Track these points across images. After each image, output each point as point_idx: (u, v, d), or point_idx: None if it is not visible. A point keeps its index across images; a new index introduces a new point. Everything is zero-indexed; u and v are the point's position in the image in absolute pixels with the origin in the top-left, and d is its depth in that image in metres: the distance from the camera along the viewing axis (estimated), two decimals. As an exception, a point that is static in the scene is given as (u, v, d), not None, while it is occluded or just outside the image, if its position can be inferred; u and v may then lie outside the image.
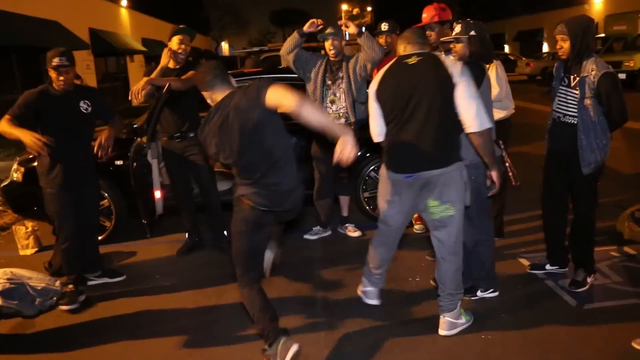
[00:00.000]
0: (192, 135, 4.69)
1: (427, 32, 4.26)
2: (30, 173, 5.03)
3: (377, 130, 3.35)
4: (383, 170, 3.35)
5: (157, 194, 4.95)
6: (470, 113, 3.05)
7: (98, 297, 4.15)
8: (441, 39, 4.00)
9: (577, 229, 3.79)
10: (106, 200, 5.19)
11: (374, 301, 3.62)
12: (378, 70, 4.64)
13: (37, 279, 4.06)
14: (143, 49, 24.77)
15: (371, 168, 5.28)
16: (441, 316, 3.33)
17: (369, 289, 3.64)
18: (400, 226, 3.43)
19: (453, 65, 3.11)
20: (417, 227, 5.16)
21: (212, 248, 4.98)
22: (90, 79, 18.85)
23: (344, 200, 5.19)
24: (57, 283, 4.11)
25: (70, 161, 4.00)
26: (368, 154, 5.27)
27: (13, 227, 5.46)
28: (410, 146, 3.12)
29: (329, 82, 4.81)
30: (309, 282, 4.22)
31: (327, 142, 4.79)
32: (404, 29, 3.52)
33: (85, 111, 4.05)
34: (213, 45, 46.59)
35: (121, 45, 21.77)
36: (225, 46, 45.43)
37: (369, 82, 4.23)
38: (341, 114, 4.80)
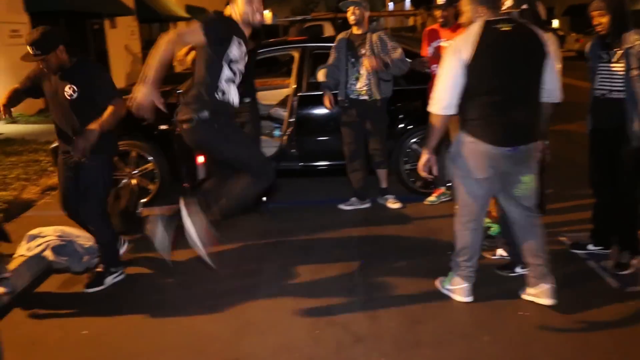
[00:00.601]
0: (246, 100, 4.73)
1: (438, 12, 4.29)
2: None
3: (452, 102, 3.03)
4: (471, 146, 3.07)
5: (200, 159, 5.02)
6: (557, 84, 3.13)
7: (141, 258, 4.28)
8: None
9: (624, 209, 3.71)
10: (150, 164, 5.30)
11: (467, 298, 3.40)
12: (445, 37, 4.67)
13: (84, 238, 4.22)
14: (187, 15, 24.82)
15: (412, 140, 5.24)
16: (548, 285, 3.27)
17: (464, 285, 3.40)
18: (485, 206, 3.35)
19: (541, 32, 3.05)
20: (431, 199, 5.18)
21: (249, 212, 5.03)
22: (134, 45, 19.07)
23: (381, 173, 5.15)
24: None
25: (67, 142, 3.84)
26: (410, 126, 5.22)
27: (61, 187, 5.63)
28: (512, 118, 3.00)
29: (353, 59, 4.84)
30: (347, 255, 4.25)
31: (356, 111, 4.83)
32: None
33: (69, 97, 3.64)
34: (255, 13, 46.44)
35: (165, 11, 21.87)
36: (268, 15, 45.18)
37: None
38: (365, 92, 4.82)
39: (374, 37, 4.76)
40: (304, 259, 4.17)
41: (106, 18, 16.69)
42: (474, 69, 2.95)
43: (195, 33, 3.04)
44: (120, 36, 17.50)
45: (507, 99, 2.99)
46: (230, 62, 3.17)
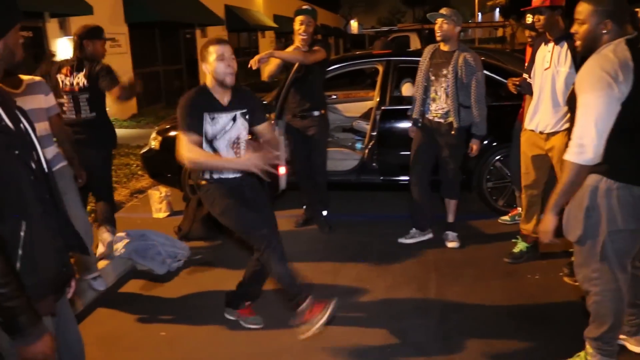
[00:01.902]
0: (316, 114, 4.77)
1: (535, 17, 3.93)
2: (167, 142, 5.39)
3: (602, 147, 2.35)
4: (622, 192, 2.43)
5: (282, 170, 5.10)
6: None
7: (221, 265, 4.38)
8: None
9: None
10: (233, 173, 5.43)
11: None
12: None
13: (168, 241, 4.38)
14: (274, 25, 25.41)
15: (496, 158, 5.08)
16: None
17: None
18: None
19: None
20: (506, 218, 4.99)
21: (325, 224, 5.05)
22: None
23: (450, 204, 4.64)
24: (185, 247, 4.40)
25: None
26: (494, 143, 5.06)
27: (148, 191, 5.89)
28: None
29: (432, 78, 4.40)
30: (422, 273, 4.17)
31: (428, 134, 4.46)
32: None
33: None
34: (342, 23, 46.85)
35: (253, 21, 22.49)
36: (354, 24, 45.58)
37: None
38: (439, 115, 4.39)
39: (461, 58, 4.25)
40: (379, 274, 4.12)
41: (198, 28, 17.39)
42: (635, 102, 2.33)
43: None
44: (211, 45, 18.10)
45: None
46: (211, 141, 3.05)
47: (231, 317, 3.53)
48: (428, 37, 16.44)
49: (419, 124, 4.51)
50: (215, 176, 3.13)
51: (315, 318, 2.92)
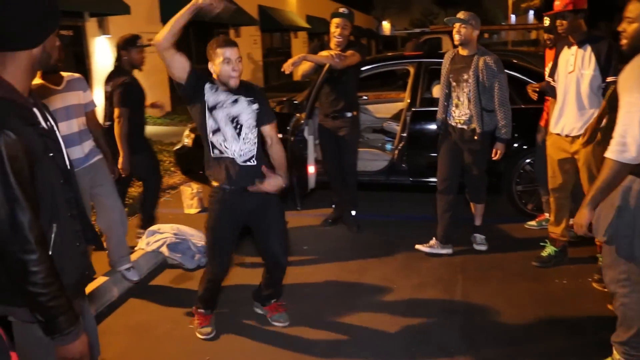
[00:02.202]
0: (348, 115, 4.81)
1: (558, 21, 3.88)
2: (199, 139, 5.47)
3: None
4: None
5: (311, 169, 5.15)
6: None
7: (249, 261, 4.45)
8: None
9: None
10: (264, 171, 5.49)
11: None
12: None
13: (198, 237, 4.47)
14: (307, 25, 25.50)
15: (526, 161, 5.04)
16: None
17: None
18: None
19: None
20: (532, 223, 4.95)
21: (354, 224, 5.09)
22: (256, 53, 19.91)
23: (477, 208, 4.60)
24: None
25: None
26: (524, 146, 5.03)
27: (180, 187, 6.01)
28: None
29: (454, 84, 4.35)
30: (448, 274, 4.18)
31: (453, 140, 4.34)
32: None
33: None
34: (375, 25, 46.73)
35: (286, 21, 22.62)
36: (386, 25, 45.43)
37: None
38: (463, 121, 4.32)
39: (481, 62, 4.17)
40: (406, 274, 4.15)
41: (231, 28, 17.58)
42: None
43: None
44: (244, 45, 18.32)
45: None
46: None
47: (259, 312, 3.61)
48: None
49: (441, 131, 4.48)
50: (224, 186, 3.14)
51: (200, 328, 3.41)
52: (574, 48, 3.77)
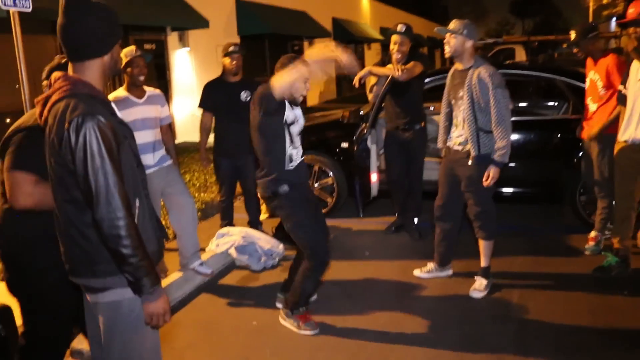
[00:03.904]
0: (417, 127, 4.94)
1: (631, 29, 3.79)
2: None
3: None
4: None
5: (374, 177, 5.29)
6: None
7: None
8: None
9: None
10: (330, 178, 5.67)
11: None
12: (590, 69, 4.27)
13: (265, 240, 4.70)
14: (380, 37, 25.64)
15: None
16: None
17: None
18: None
19: None
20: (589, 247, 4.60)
21: (416, 231, 5.19)
22: (329, 65, 20.18)
23: (483, 246, 4.04)
24: (280, 247, 4.70)
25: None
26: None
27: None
28: None
29: (452, 101, 3.98)
30: (506, 281, 4.19)
31: (451, 164, 3.96)
32: None
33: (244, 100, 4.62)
34: (449, 35, 46.29)
35: (360, 33, 22.86)
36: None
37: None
38: (458, 142, 3.93)
39: (474, 76, 3.73)
40: (462, 280, 4.19)
41: (305, 40, 17.99)
42: None
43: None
44: (317, 57, 18.64)
45: None
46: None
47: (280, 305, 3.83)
48: (537, 50, 15.96)
49: (441, 155, 4.17)
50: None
51: (303, 324, 3.56)
52: None
